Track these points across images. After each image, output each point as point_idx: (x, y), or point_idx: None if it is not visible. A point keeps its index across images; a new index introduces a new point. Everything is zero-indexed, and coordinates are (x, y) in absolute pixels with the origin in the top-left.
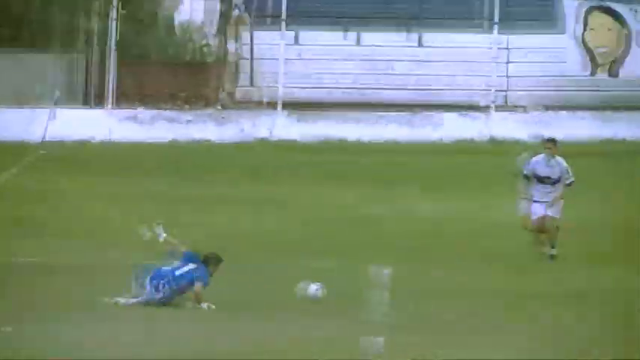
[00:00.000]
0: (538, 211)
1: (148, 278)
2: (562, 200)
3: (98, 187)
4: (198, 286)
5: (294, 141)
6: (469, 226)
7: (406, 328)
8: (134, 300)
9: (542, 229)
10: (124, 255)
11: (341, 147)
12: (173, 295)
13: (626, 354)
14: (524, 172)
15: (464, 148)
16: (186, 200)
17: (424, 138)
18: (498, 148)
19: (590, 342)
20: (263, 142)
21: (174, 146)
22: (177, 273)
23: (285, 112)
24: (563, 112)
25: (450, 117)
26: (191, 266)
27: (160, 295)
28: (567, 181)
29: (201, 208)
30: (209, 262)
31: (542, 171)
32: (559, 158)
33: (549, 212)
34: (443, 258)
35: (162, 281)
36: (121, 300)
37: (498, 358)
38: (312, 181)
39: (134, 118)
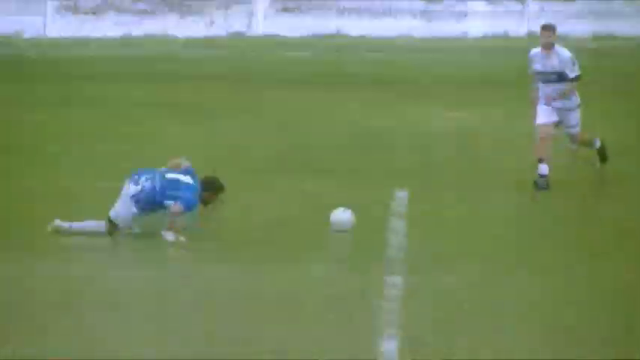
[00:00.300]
0: (545, 117)
1: (133, 174)
2: (577, 101)
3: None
4: (176, 206)
5: (279, 37)
6: (496, 138)
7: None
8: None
9: (547, 140)
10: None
11: (339, 44)
12: (151, 197)
13: None
14: (530, 71)
15: (494, 46)
16: (139, 107)
17: (445, 33)
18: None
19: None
20: (239, 39)
21: (126, 44)
22: (167, 175)
23: (267, 0)
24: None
25: (477, 6)
26: (186, 178)
27: (138, 189)
28: (572, 75)
29: (162, 121)
30: (207, 186)
31: (541, 65)
32: (559, 48)
33: (561, 117)
34: (464, 182)
35: (145, 176)
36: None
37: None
38: (303, 88)
39: (74, 8)
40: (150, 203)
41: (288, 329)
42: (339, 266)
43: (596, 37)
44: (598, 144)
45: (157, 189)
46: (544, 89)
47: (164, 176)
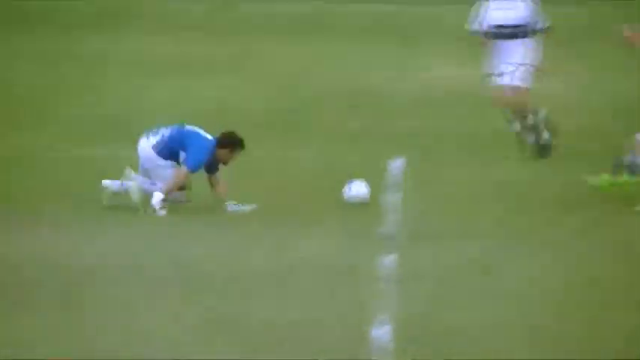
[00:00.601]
0: (503, 78)
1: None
2: (535, 58)
3: None
4: (184, 169)
5: None
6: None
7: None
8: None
9: (509, 103)
10: None
11: None
12: (170, 144)
13: None
14: (475, 27)
15: None
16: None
17: None
18: None
19: None
20: None
21: None
22: (187, 126)
23: None
24: None
25: None
26: (202, 133)
27: (158, 139)
28: (538, 26)
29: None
30: (223, 142)
31: (498, 17)
32: None
33: (514, 79)
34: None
35: (164, 128)
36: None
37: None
38: (294, 40)
39: None
40: (171, 150)
41: (274, 309)
42: (328, 242)
43: None
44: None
45: (176, 136)
46: (502, 47)
47: (183, 126)
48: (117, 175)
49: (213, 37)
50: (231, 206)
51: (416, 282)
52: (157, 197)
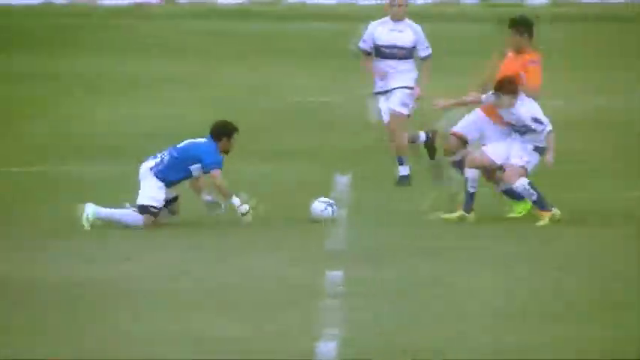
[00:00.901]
0: (385, 104)
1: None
2: (415, 83)
3: None
4: (215, 172)
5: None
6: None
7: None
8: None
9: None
10: None
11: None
12: (172, 164)
13: None
14: (360, 46)
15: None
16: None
17: None
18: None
19: None
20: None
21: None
22: (180, 144)
23: None
24: None
25: None
26: (198, 139)
27: (157, 161)
28: (423, 54)
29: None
30: (219, 133)
31: (386, 38)
32: (410, 21)
33: (393, 104)
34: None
35: (161, 152)
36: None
37: None
38: (236, 57)
39: None
40: (173, 171)
41: (219, 326)
42: (275, 259)
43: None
44: (404, 172)
45: (177, 155)
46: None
47: (177, 146)
48: (67, 191)
49: (164, 56)
50: (207, 198)
51: (362, 298)
52: (241, 206)
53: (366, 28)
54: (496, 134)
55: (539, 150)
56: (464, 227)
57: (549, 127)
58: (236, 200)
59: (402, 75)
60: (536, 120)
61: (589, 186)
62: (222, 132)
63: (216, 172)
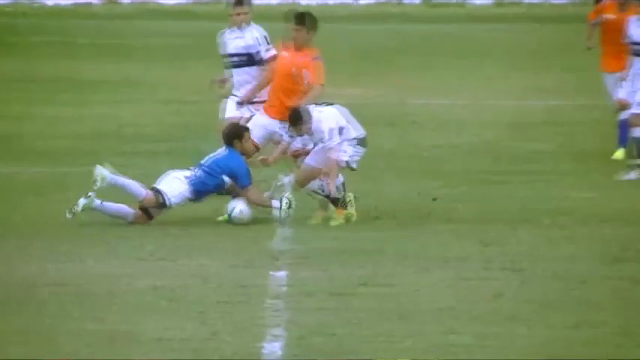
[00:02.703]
0: (232, 110)
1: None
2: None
3: None
4: (250, 191)
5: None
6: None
7: None
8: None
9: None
10: None
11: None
12: (207, 178)
13: None
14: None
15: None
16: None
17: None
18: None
19: None
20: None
21: None
22: (206, 162)
23: None
24: None
25: None
26: (222, 151)
27: (193, 173)
28: (265, 55)
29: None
30: (231, 139)
31: (230, 45)
32: (254, 25)
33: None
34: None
35: (192, 169)
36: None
37: None
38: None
39: None
40: (208, 178)
41: (167, 327)
42: (219, 259)
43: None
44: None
45: (207, 170)
46: (236, 75)
47: (201, 163)
48: (18, 191)
49: (105, 58)
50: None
51: (306, 298)
52: (281, 209)
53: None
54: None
55: (361, 142)
56: (409, 227)
57: (335, 140)
58: (276, 203)
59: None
60: (331, 131)
61: (538, 186)
62: (237, 134)
63: (251, 190)
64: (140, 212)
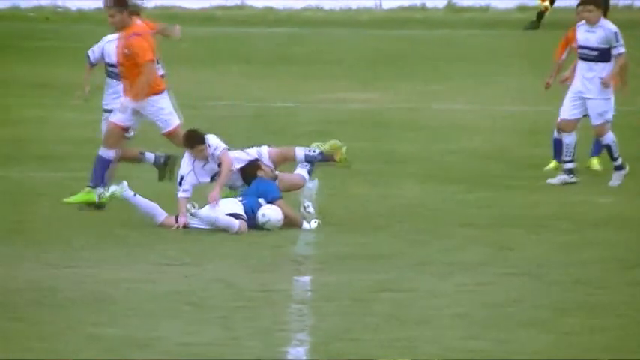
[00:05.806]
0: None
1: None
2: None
3: None
4: (279, 204)
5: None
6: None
7: None
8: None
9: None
10: None
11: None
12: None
13: None
14: (91, 57)
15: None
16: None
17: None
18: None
19: None
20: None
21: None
22: (242, 196)
23: None
24: None
25: None
26: (248, 188)
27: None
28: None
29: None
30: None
31: (112, 53)
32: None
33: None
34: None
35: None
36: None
37: None
38: (202, 65)
39: None
40: (251, 207)
41: (189, 332)
42: (242, 264)
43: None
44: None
45: (250, 197)
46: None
47: (239, 197)
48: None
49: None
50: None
51: (329, 303)
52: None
53: None
54: None
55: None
56: (427, 232)
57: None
58: (306, 225)
59: None
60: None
61: (554, 191)
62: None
63: (280, 204)
64: (173, 218)
